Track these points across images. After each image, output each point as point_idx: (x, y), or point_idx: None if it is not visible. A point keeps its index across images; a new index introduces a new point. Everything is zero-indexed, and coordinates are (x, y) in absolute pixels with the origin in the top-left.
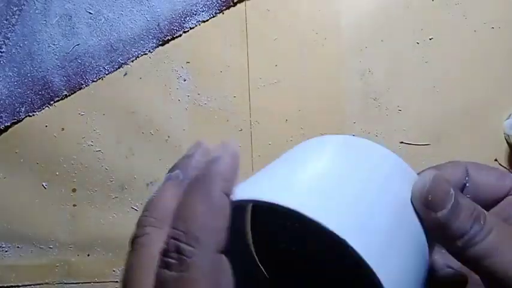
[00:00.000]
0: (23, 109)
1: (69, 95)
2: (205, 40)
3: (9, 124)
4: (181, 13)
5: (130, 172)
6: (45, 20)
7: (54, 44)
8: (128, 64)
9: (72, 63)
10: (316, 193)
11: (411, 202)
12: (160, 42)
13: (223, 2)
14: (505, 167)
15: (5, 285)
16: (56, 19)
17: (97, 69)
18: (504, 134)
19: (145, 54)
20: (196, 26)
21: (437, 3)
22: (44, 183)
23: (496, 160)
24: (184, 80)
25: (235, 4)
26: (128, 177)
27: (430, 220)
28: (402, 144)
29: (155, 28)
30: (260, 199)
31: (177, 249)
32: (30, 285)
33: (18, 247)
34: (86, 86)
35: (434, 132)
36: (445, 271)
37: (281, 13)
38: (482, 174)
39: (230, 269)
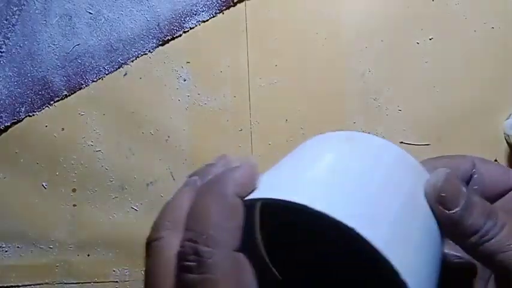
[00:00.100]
0: (23, 109)
1: (69, 95)
2: (205, 40)
3: (9, 124)
4: (181, 13)
5: (130, 172)
6: (45, 20)
7: (54, 44)
8: (128, 64)
9: (72, 63)
10: (324, 188)
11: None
12: (160, 42)
13: (223, 2)
14: None
15: (5, 285)
16: (56, 19)
17: (97, 69)
18: (504, 134)
19: (145, 54)
20: (196, 26)
21: (437, 3)
22: (44, 183)
23: (496, 160)
24: (184, 80)
25: (235, 4)
26: (127, 177)
27: (444, 217)
28: (402, 144)
29: (155, 28)
30: (269, 197)
31: (195, 251)
32: (30, 285)
33: (18, 247)
34: (86, 86)
35: (434, 132)
36: (455, 261)
37: (281, 13)
38: (489, 168)
39: (250, 266)
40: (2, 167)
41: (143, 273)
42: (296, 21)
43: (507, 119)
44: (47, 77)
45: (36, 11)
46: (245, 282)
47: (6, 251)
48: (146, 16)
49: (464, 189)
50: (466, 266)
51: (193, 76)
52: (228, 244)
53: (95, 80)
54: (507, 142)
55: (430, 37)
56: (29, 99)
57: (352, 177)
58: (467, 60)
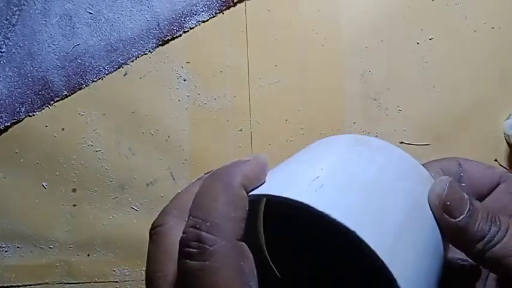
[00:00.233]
0: (23, 109)
1: (69, 95)
2: (205, 40)
3: (9, 124)
4: (181, 13)
5: (130, 172)
6: (45, 20)
7: (54, 44)
8: (128, 64)
9: (72, 63)
10: (329, 190)
11: (428, 203)
12: (160, 42)
13: (223, 2)
14: (504, 167)
15: (5, 285)
16: (56, 19)
17: (97, 69)
18: (504, 134)
19: (145, 54)
20: (196, 26)
21: (437, 3)
22: (44, 183)
23: (496, 160)
24: (184, 80)
25: (235, 4)
26: (127, 177)
27: (450, 225)
28: (402, 144)
29: (155, 28)
30: (272, 194)
31: (198, 238)
32: (30, 285)
33: (18, 247)
34: (86, 86)
35: (434, 132)
36: (460, 264)
37: (281, 13)
38: (473, 165)
39: (251, 257)
40: (2, 167)
41: (143, 273)
42: (296, 21)
43: (507, 119)
44: (47, 77)
45: (36, 11)
46: (246, 272)
47: (6, 251)
48: (146, 16)
49: (466, 195)
50: (469, 269)
51: (193, 76)
52: (231, 233)
53: (95, 80)
54: (507, 142)
55: (430, 37)
56: (29, 99)
57: (358, 182)
58: (467, 60)
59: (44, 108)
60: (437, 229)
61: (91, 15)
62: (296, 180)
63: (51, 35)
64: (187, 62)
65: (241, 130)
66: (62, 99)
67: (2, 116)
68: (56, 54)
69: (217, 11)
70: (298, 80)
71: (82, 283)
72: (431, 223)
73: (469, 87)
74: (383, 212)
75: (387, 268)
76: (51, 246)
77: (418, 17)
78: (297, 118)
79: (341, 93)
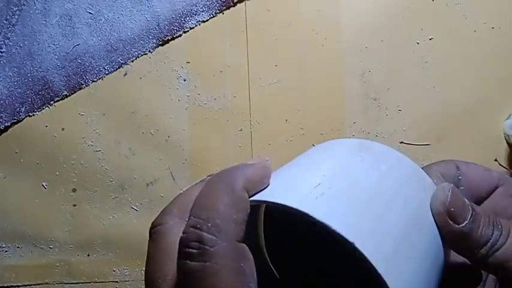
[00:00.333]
0: (23, 109)
1: (69, 95)
2: (205, 40)
3: (9, 124)
4: (181, 13)
5: (130, 172)
6: (45, 20)
7: (54, 44)
8: (128, 64)
9: (72, 63)
10: (329, 197)
11: (429, 211)
12: (160, 42)
13: (223, 2)
14: (505, 167)
15: (5, 285)
16: (56, 19)
17: (97, 69)
18: (504, 134)
19: (145, 54)
20: (196, 26)
21: (437, 3)
22: (44, 183)
23: (496, 160)
24: (184, 80)
25: (235, 4)
26: (127, 177)
27: (454, 232)
28: (402, 144)
29: (155, 28)
30: (270, 200)
31: (199, 239)
32: (30, 285)
33: (18, 247)
34: (86, 86)
35: (434, 132)
36: (461, 268)
37: (281, 13)
38: (471, 168)
39: (252, 258)
40: (2, 167)
41: (143, 273)
42: (296, 21)
43: (507, 119)
44: (47, 77)
45: (36, 11)
46: (246, 274)
47: (6, 251)
48: (146, 16)
49: (467, 201)
50: (470, 273)
51: (193, 76)
52: (232, 235)
53: (95, 80)
54: (507, 142)
55: (430, 37)
56: (29, 99)
57: (360, 188)
58: (467, 60)
59: (44, 108)
60: (438, 235)
61: (91, 15)
62: (297, 186)
63: (51, 35)
64: (187, 62)
65: (241, 130)
66: (62, 99)
67: (2, 116)
68: (56, 54)
69: (217, 11)
70: (298, 80)
71: (82, 283)
72: (432, 230)
73: (469, 87)
74: (383, 220)
75: (382, 277)
76: (51, 246)
77: (418, 17)
78: (297, 118)
79: (341, 93)
